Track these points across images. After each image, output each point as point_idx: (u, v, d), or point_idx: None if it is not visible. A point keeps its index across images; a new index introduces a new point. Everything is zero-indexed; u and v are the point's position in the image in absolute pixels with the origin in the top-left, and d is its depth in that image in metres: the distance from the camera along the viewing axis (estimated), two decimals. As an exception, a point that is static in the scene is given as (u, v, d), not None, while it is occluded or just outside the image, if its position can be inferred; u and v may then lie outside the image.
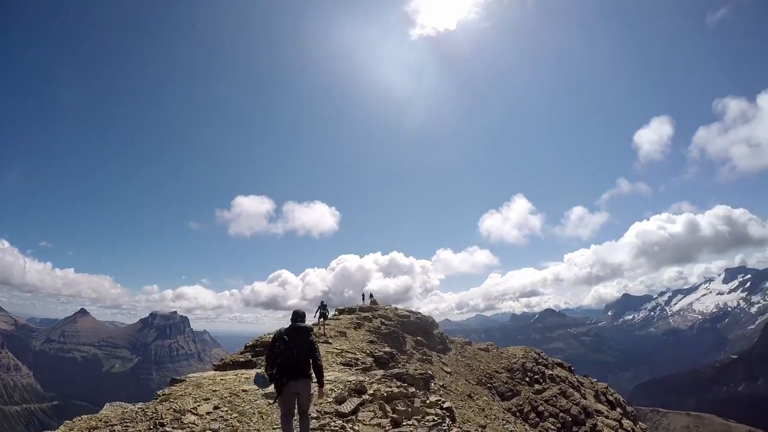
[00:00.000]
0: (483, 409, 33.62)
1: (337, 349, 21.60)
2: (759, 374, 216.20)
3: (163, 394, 10.55)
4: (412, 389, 12.81)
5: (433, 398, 13.14)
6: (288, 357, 6.85)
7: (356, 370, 16.56)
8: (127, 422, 8.29)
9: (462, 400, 32.35)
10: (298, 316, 7.37)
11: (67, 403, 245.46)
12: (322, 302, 28.12)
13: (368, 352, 24.13)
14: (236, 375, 13.39)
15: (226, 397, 9.97)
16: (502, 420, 33.32)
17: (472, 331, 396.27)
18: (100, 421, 8.47)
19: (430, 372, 30.09)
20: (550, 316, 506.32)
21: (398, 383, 13.32)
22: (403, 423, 9.22)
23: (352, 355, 20.52)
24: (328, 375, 12.43)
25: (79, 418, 8.71)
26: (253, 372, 14.13)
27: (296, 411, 7.11)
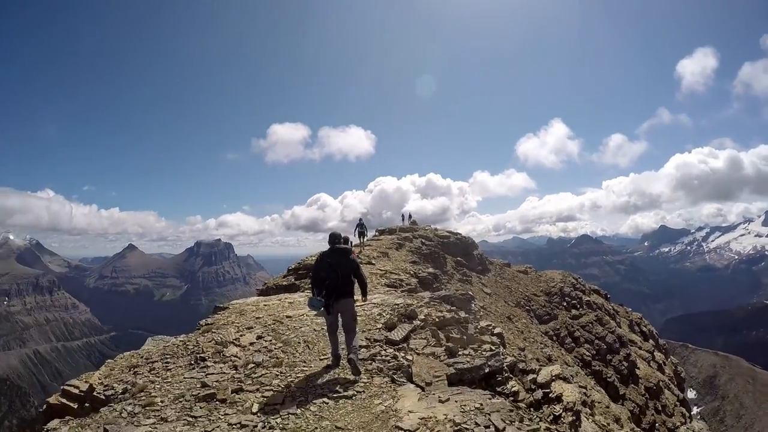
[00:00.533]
0: (522, 332, 33.58)
1: (380, 270, 20.90)
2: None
3: (205, 324, 10.02)
4: (462, 314, 12.08)
5: (483, 323, 12.48)
6: (334, 279, 6.98)
7: (402, 291, 15.98)
8: (167, 357, 7.83)
9: (501, 322, 32.23)
10: (336, 238, 7.32)
11: (125, 332, 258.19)
12: (360, 220, 27.52)
13: (412, 272, 23.45)
14: (280, 300, 12.82)
15: (269, 325, 9.32)
16: (540, 343, 33.28)
17: (509, 252, 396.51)
18: (141, 357, 8.07)
19: (470, 293, 29.82)
20: (586, 242, 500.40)
21: (448, 307, 12.65)
22: (459, 352, 8.45)
23: (396, 276, 19.93)
24: (374, 298, 11.82)
25: (121, 356, 8.36)
26: (296, 296, 13.81)
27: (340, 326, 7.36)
